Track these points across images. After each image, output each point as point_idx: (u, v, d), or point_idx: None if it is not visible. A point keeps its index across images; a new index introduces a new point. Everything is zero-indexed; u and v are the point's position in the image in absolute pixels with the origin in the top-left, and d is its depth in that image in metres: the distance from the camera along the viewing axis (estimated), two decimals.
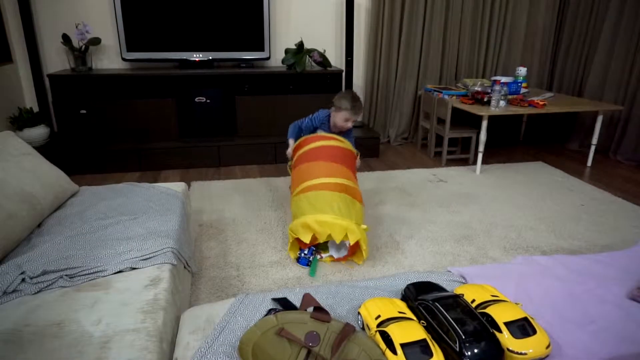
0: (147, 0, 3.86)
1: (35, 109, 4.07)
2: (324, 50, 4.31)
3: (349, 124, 2.50)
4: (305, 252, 2.35)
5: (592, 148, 4.06)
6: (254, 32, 4.14)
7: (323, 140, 2.37)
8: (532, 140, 4.92)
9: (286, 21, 4.41)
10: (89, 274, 1.50)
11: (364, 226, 2.25)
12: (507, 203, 3.22)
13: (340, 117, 2.50)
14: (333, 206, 2.18)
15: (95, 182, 3.53)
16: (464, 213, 3.04)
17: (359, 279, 2.21)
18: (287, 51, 4.24)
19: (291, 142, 2.49)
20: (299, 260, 2.34)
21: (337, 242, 2.22)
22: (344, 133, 2.60)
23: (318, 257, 2.37)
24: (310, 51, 4.20)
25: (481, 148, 3.76)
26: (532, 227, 2.86)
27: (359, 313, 1.37)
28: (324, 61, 4.21)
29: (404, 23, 4.43)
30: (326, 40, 4.53)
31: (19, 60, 4.03)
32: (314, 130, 2.61)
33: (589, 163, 4.09)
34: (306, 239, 2.21)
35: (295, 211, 2.30)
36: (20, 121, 3.79)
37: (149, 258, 1.60)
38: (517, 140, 4.92)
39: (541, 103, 3.69)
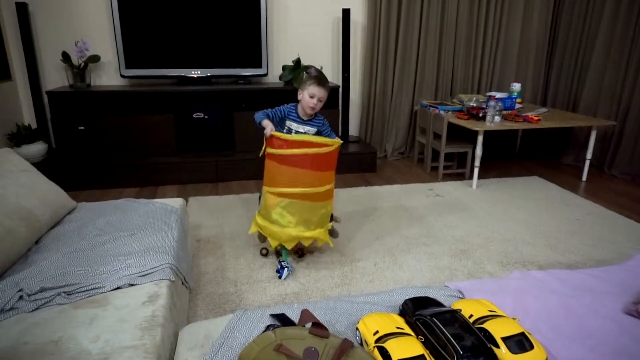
0: (146, 17, 3.91)
1: (34, 125, 4.09)
2: (321, 67, 4.35)
3: (315, 100, 2.37)
4: (283, 262, 2.42)
5: (587, 162, 4.09)
6: (251, 49, 4.18)
7: (305, 148, 2.26)
8: (528, 155, 4.96)
9: (283, 38, 4.47)
10: (86, 290, 1.49)
11: (330, 224, 2.52)
12: (503, 217, 3.24)
13: (306, 96, 2.38)
14: (303, 219, 2.36)
15: (94, 198, 3.53)
16: (460, 227, 3.05)
17: (357, 294, 2.21)
18: (284, 67, 4.29)
19: (266, 121, 2.36)
20: (279, 270, 2.40)
21: (307, 245, 2.45)
22: (316, 119, 2.51)
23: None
24: (307, 67, 4.23)
25: (477, 163, 3.79)
26: (529, 241, 2.87)
27: (357, 328, 1.37)
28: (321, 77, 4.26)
29: (399, 39, 4.49)
30: (323, 56, 4.59)
31: (18, 77, 4.06)
32: (280, 120, 2.52)
33: (584, 177, 4.13)
34: (273, 244, 2.43)
35: (266, 210, 2.40)
36: (18, 138, 3.80)
37: (147, 274, 1.60)
38: (513, 155, 4.95)
39: (536, 118, 3.73)
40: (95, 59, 4.02)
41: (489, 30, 4.67)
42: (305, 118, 2.49)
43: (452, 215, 3.26)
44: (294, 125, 2.49)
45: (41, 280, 1.53)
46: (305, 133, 2.48)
